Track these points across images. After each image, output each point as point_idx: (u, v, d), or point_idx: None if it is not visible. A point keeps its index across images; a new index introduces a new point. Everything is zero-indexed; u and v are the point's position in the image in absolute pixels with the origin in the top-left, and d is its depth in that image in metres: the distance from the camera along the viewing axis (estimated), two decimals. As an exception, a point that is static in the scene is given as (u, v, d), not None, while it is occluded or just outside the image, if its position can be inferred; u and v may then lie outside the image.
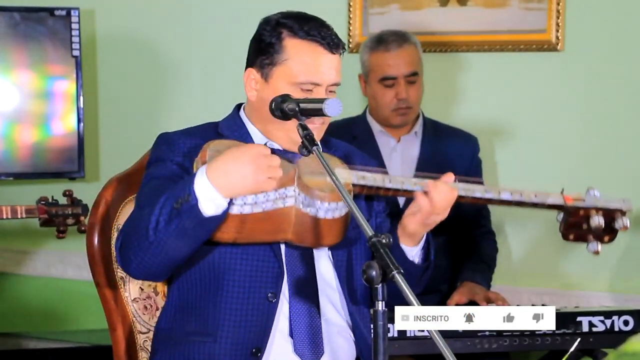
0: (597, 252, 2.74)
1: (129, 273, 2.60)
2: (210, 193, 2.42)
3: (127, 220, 2.61)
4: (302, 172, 2.58)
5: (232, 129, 2.70)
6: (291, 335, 2.61)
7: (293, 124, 2.57)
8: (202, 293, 2.57)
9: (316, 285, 2.64)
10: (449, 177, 2.70)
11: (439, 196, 2.63)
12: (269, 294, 2.58)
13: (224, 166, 2.43)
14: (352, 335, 2.69)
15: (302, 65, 2.64)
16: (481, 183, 3.78)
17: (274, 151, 2.65)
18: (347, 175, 2.62)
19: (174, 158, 2.63)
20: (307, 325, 2.61)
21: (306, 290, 2.63)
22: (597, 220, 2.70)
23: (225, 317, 2.58)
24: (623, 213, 2.75)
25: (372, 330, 2.69)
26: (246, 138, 2.68)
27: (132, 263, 2.53)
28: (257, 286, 2.59)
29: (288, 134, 2.64)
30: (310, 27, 2.67)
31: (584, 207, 2.71)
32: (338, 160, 2.67)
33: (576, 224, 2.74)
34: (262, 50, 2.68)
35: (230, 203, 2.46)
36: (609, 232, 2.77)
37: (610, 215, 2.74)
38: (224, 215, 2.46)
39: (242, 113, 2.75)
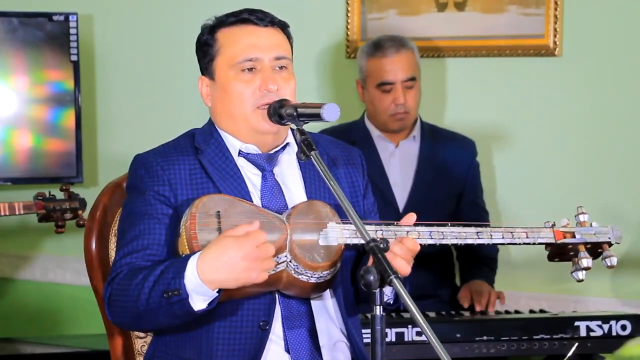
0: (581, 280, 2.75)
1: (120, 328, 2.69)
2: (200, 288, 2.41)
3: (114, 269, 2.57)
4: (292, 229, 2.53)
5: (207, 142, 2.66)
6: (287, 351, 2.59)
7: (253, 112, 2.59)
8: (194, 321, 2.54)
9: (309, 304, 2.62)
10: (411, 218, 2.61)
11: (402, 251, 2.52)
12: (261, 322, 2.56)
13: (215, 263, 2.39)
14: (347, 342, 2.67)
15: (235, 45, 2.63)
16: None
17: (251, 158, 2.65)
18: (340, 234, 2.55)
19: (153, 186, 2.60)
20: (303, 343, 2.59)
21: (300, 310, 2.60)
22: (586, 263, 2.70)
23: (218, 346, 2.55)
24: (611, 244, 2.75)
25: (362, 335, 2.71)
26: (222, 149, 2.65)
27: (122, 323, 2.60)
28: (250, 315, 2.56)
29: (249, 124, 2.62)
30: (238, 13, 2.67)
31: (573, 243, 2.71)
32: (330, 210, 2.59)
33: (563, 253, 2.75)
34: (202, 52, 2.70)
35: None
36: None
37: (598, 248, 2.74)
38: (214, 306, 2.45)
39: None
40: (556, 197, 4.19)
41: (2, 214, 3.80)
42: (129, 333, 2.76)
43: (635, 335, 3.49)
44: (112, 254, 2.75)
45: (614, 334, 3.51)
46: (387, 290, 2.58)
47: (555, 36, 4.16)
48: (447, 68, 4.35)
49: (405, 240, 2.53)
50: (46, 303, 4.73)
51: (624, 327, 3.52)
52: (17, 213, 3.82)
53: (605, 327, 3.51)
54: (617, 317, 3.53)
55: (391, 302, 2.63)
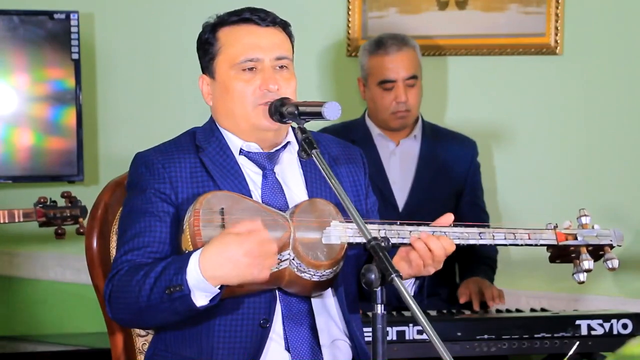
0: (582, 282, 2.75)
1: (121, 325, 2.68)
2: (202, 284, 2.40)
3: (114, 266, 2.57)
4: (296, 227, 2.52)
5: (209, 140, 2.67)
6: (287, 349, 2.59)
7: (254, 110, 2.59)
8: (195, 319, 2.54)
9: (310, 302, 2.62)
10: (449, 217, 2.63)
11: (437, 247, 2.56)
12: (262, 320, 2.56)
13: (218, 259, 2.39)
14: (348, 340, 2.67)
15: (236, 45, 2.63)
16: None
17: (252, 156, 2.65)
18: (343, 233, 2.55)
19: (153, 184, 2.60)
20: (303, 341, 2.59)
21: (300, 308, 2.60)
22: (587, 265, 2.71)
23: (219, 344, 2.56)
24: (613, 247, 2.76)
25: (364, 333, 2.71)
26: (224, 148, 2.65)
27: (123, 320, 2.59)
28: (251, 313, 2.56)
29: (250, 121, 2.62)
30: (239, 12, 2.67)
31: (575, 245, 2.72)
32: (333, 209, 2.59)
33: (565, 255, 2.75)
34: (203, 51, 2.70)
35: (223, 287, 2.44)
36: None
37: (600, 251, 2.75)
38: (216, 302, 2.44)
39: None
40: (557, 197, 4.18)
41: (2, 221, 3.79)
42: (130, 331, 2.76)
43: (636, 334, 3.49)
44: (113, 252, 2.75)
45: (615, 332, 3.51)
46: (409, 281, 2.63)
47: (556, 35, 4.16)
48: (448, 66, 4.35)
49: (443, 239, 2.55)
50: (47, 301, 4.73)
51: (625, 326, 3.51)
52: (16, 220, 3.81)
53: (607, 325, 3.51)
54: (618, 316, 3.53)
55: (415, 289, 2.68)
